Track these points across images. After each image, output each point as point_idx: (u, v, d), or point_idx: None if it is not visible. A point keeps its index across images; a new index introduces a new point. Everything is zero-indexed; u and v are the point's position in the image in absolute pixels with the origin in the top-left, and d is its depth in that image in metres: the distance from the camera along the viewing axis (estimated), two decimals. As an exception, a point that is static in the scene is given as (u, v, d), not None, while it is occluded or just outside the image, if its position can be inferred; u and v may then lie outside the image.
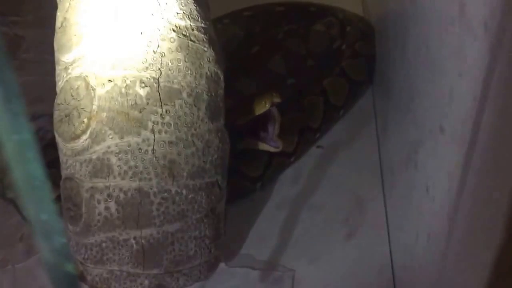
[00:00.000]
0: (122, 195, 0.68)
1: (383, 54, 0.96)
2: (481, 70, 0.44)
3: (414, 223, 0.68)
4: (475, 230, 0.50)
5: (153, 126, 0.68)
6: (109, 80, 0.68)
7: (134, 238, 0.69)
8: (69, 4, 0.70)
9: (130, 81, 0.67)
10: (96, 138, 0.68)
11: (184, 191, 0.70)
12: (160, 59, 0.68)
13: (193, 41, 0.70)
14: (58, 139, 0.71)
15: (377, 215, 0.89)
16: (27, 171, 0.30)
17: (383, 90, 0.96)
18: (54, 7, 0.73)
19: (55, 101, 0.71)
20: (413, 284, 0.71)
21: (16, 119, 0.30)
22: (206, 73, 0.71)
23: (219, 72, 0.72)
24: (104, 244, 0.70)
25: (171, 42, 0.68)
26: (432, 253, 0.61)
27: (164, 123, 0.68)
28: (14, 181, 0.31)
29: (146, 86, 0.67)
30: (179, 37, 0.69)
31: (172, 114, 0.68)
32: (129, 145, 0.68)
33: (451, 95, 0.52)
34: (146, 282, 0.71)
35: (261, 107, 0.82)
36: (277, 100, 0.81)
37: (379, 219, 0.88)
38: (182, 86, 0.69)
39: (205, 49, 0.71)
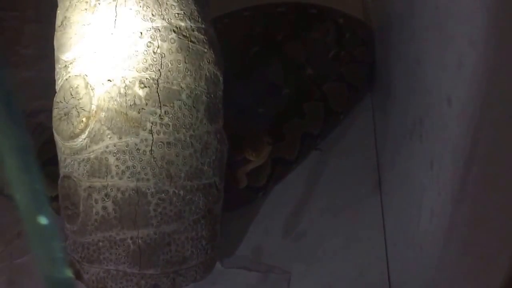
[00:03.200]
0: (119, 195, 0.68)
1: (386, 23, 0.92)
2: (493, 37, 0.40)
3: (417, 200, 0.65)
4: (482, 215, 0.46)
5: (151, 126, 0.68)
6: (109, 80, 0.68)
7: (131, 238, 0.69)
8: (70, 2, 0.70)
9: (130, 81, 0.67)
10: (94, 138, 0.68)
11: (181, 192, 0.70)
12: (160, 60, 0.68)
13: (193, 42, 0.70)
14: (57, 137, 0.71)
15: (374, 206, 0.90)
16: (24, 177, 0.30)
17: (384, 70, 0.93)
18: (54, 3, 0.73)
19: (54, 99, 0.71)
20: (413, 269, 0.69)
21: (13, 123, 0.30)
22: (206, 74, 0.71)
23: (218, 73, 0.73)
24: (101, 243, 0.70)
25: (171, 43, 0.68)
26: (435, 234, 0.58)
27: (163, 124, 0.68)
28: (10, 186, 0.31)
29: (146, 86, 0.67)
30: (180, 38, 0.69)
31: (171, 115, 0.68)
32: (127, 145, 0.68)
33: (460, 64, 0.48)
34: (142, 282, 0.71)
35: (237, 154, 0.84)
36: (251, 158, 0.85)
37: (376, 211, 0.89)
38: (181, 87, 0.69)
39: (205, 50, 0.71)
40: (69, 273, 0.35)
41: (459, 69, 0.48)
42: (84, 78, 0.68)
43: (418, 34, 0.66)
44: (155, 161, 0.68)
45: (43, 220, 0.32)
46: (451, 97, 0.51)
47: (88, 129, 0.68)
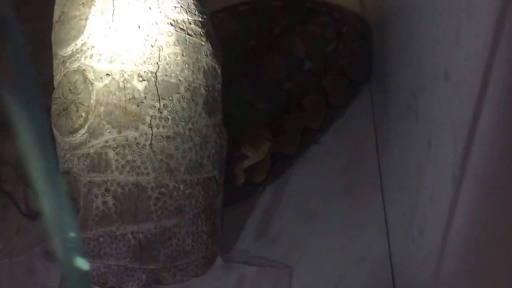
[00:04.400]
0: (119, 190, 0.68)
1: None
2: (493, 8, 0.38)
3: (415, 184, 0.62)
4: (484, 197, 0.43)
5: (150, 120, 0.68)
6: (107, 74, 0.67)
7: (132, 232, 0.69)
8: (67, -3, 0.70)
9: (128, 75, 0.67)
10: (94, 132, 0.68)
11: (181, 186, 0.70)
12: (158, 53, 0.68)
13: (191, 35, 0.70)
14: (56, 133, 0.71)
15: (374, 197, 0.90)
16: (41, 163, 0.30)
17: (381, 63, 0.92)
18: (51, 0, 0.73)
19: (53, 95, 0.71)
20: (412, 256, 0.68)
21: (31, 111, 0.30)
22: (204, 67, 0.70)
23: (216, 66, 0.72)
24: (101, 239, 0.70)
25: (169, 36, 0.68)
26: (435, 219, 0.55)
27: (162, 118, 0.68)
28: (25, 174, 0.31)
29: (144, 80, 0.67)
30: (177, 31, 0.69)
31: (170, 109, 0.68)
32: (127, 140, 0.68)
33: (457, 36, 0.45)
34: (143, 277, 0.71)
35: (235, 150, 0.84)
36: (249, 155, 0.84)
37: (377, 203, 0.89)
38: (179, 80, 0.69)
39: (203, 43, 0.71)
40: (85, 264, 0.35)
41: (456, 42, 0.46)
42: (83, 73, 0.68)
43: (413, 15, 0.64)
44: (154, 155, 0.68)
45: (57, 209, 0.32)
46: (448, 71, 0.49)
47: (88, 124, 0.68)
